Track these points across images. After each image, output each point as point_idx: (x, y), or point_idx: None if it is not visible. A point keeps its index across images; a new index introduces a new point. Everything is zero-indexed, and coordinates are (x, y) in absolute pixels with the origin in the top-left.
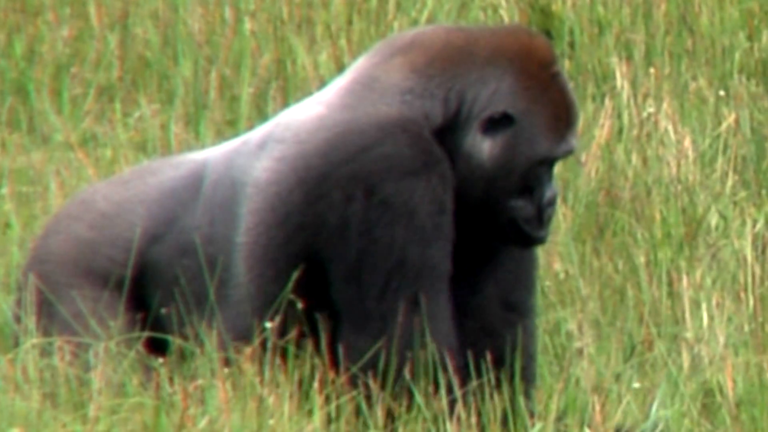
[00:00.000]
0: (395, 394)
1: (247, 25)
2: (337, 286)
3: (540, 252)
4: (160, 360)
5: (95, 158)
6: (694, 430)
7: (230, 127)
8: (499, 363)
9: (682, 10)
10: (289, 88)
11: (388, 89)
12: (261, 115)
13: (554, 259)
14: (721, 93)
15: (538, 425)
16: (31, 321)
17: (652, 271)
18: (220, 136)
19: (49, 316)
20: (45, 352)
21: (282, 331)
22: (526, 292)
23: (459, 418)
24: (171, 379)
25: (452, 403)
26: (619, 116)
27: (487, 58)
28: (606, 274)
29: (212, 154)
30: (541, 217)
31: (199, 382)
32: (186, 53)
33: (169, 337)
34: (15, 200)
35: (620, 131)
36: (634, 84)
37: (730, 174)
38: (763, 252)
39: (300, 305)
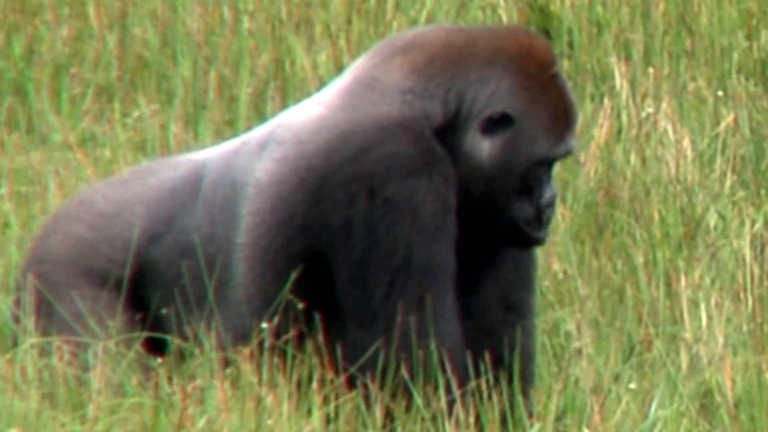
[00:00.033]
0: (401, 393)
1: (246, 25)
2: (342, 287)
3: (539, 252)
4: (159, 360)
5: (94, 158)
6: (693, 430)
7: (229, 127)
8: (498, 363)
9: (681, 10)
10: (288, 88)
11: (388, 89)
12: (260, 115)
13: (553, 259)
14: (720, 93)
15: (537, 425)
16: (29, 321)
17: (651, 271)
18: (219, 136)
19: (47, 316)
20: (44, 352)
21: (281, 332)
22: (525, 292)
23: (457, 419)
24: (170, 379)
25: (455, 402)
26: (618, 116)
27: (486, 59)
28: (605, 274)
29: (211, 154)
30: (540, 217)
31: (198, 382)
32: (185, 53)
33: (168, 337)
34: (14, 200)
35: (619, 131)
36: (632, 84)
37: (729, 174)
38: (762, 252)
39: (300, 305)
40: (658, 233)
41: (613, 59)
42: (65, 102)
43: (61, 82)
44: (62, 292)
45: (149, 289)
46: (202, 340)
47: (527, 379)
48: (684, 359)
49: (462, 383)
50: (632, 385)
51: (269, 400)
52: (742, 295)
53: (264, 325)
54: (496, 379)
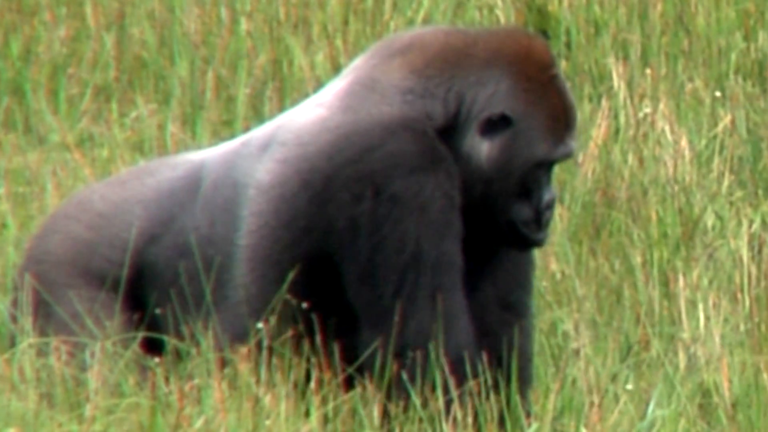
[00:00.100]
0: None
1: (244, 25)
2: (352, 286)
3: (537, 252)
4: (157, 360)
5: (92, 158)
6: (691, 430)
7: (227, 127)
8: (496, 363)
9: (679, 11)
10: (286, 89)
11: (389, 90)
12: (257, 115)
13: (551, 260)
14: (718, 93)
15: (535, 425)
16: (27, 321)
17: (649, 271)
18: (217, 137)
19: (45, 316)
20: (41, 352)
21: (280, 332)
22: (523, 292)
23: (455, 419)
24: (167, 379)
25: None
26: (616, 117)
27: (485, 60)
28: (602, 275)
29: (210, 154)
30: (540, 220)
31: (196, 382)
32: (182, 53)
33: (166, 337)
34: (11, 200)
35: (617, 131)
36: (630, 84)
37: (727, 174)
38: (759, 252)
39: (304, 305)
40: (656, 233)
41: (610, 60)
42: (63, 102)
43: (58, 82)
44: (60, 293)
45: (147, 290)
46: (200, 340)
47: (525, 379)
48: (682, 359)
49: (476, 379)
50: (630, 386)
51: (267, 400)
52: (739, 295)
53: (260, 325)
54: (494, 379)
